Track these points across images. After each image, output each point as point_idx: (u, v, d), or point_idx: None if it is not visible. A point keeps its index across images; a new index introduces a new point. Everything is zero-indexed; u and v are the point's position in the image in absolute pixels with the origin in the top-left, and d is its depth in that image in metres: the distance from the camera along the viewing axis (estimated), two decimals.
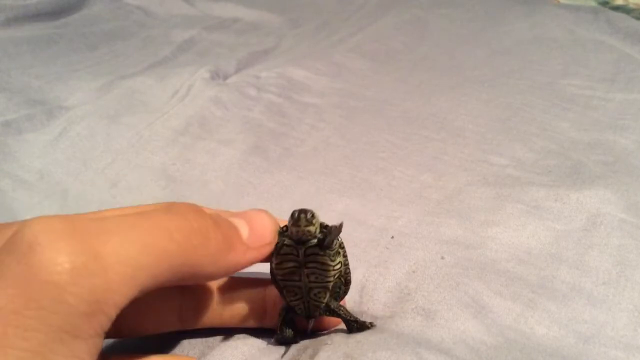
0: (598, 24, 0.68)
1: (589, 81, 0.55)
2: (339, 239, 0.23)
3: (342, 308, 0.25)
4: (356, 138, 0.47)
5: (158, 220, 0.18)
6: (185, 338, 0.26)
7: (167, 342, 0.25)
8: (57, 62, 0.62)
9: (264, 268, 0.24)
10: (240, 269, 0.21)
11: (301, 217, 0.21)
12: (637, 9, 0.79)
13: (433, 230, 0.34)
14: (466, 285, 0.29)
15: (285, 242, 0.22)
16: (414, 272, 0.30)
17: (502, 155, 0.43)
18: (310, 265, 0.22)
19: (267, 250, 0.22)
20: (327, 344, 0.24)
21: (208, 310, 0.24)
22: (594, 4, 0.80)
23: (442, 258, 0.31)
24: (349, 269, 0.24)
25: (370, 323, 0.26)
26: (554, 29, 0.69)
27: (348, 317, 0.25)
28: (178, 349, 0.25)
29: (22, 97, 0.51)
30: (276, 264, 0.23)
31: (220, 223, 0.20)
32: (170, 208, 0.19)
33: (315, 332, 0.26)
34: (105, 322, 0.16)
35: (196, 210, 0.19)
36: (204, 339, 0.25)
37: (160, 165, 0.43)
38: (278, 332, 0.25)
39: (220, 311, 0.25)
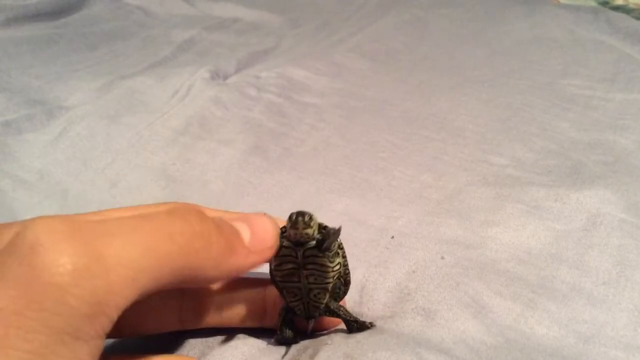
0: (598, 24, 0.68)
1: (589, 81, 0.55)
2: (338, 240, 0.23)
3: (342, 308, 0.25)
4: (356, 138, 0.47)
5: (160, 223, 0.18)
6: (185, 338, 0.26)
7: (167, 342, 0.25)
8: (57, 62, 0.62)
9: (264, 268, 0.24)
10: (241, 273, 0.21)
11: (299, 220, 0.21)
12: (637, 9, 0.79)
13: (433, 230, 0.34)
14: (466, 285, 0.29)
15: (283, 244, 0.22)
16: (414, 272, 0.30)
17: (502, 155, 0.43)
18: (309, 266, 0.22)
19: (269, 254, 0.22)
20: (327, 344, 0.24)
21: (208, 310, 0.24)
22: (594, 4, 0.80)
23: (442, 258, 0.31)
24: (348, 269, 0.24)
25: (370, 323, 0.26)
26: (554, 29, 0.69)
27: (348, 318, 0.25)
28: (178, 349, 0.25)
29: (22, 97, 0.51)
30: (275, 266, 0.23)
31: (223, 226, 0.20)
32: (172, 211, 0.19)
33: (315, 332, 0.26)
34: (106, 323, 0.16)
35: (198, 213, 0.19)
36: (204, 339, 0.25)
37: (160, 165, 0.43)
38: (278, 332, 0.25)
39: (220, 311, 0.25)
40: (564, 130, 0.46)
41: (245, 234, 0.21)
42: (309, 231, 0.21)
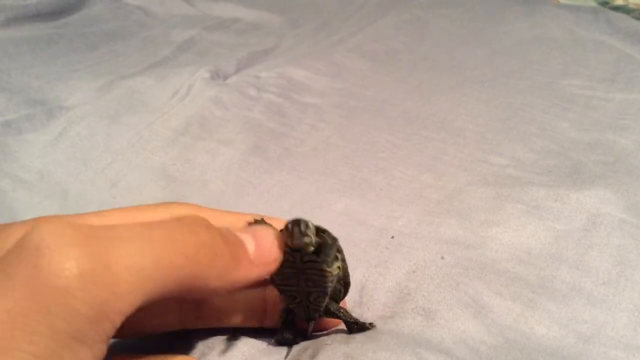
0: (598, 24, 0.68)
1: (589, 81, 0.55)
2: (337, 244, 0.23)
3: (342, 310, 0.25)
4: (356, 138, 0.47)
5: (168, 232, 0.18)
6: (185, 338, 0.26)
7: (167, 342, 0.25)
8: (57, 62, 0.62)
9: None
10: (245, 286, 0.21)
11: (295, 230, 0.21)
12: (637, 9, 0.79)
13: (433, 230, 0.34)
14: (466, 285, 0.29)
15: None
16: (414, 272, 0.30)
17: (502, 155, 0.43)
18: (308, 271, 0.22)
19: (273, 266, 0.22)
20: (327, 344, 0.24)
21: (208, 310, 0.24)
22: (594, 4, 0.80)
23: (442, 258, 0.31)
24: (347, 271, 0.24)
25: (370, 324, 0.26)
26: (554, 29, 0.69)
27: (348, 319, 0.25)
28: (178, 349, 0.25)
29: (22, 97, 0.51)
30: (274, 270, 0.23)
31: (228, 237, 0.20)
32: (180, 220, 0.19)
33: (316, 332, 0.26)
34: (110, 329, 0.16)
35: (205, 224, 0.19)
36: (204, 339, 0.25)
37: (160, 165, 0.43)
38: (278, 332, 0.25)
39: (220, 311, 0.25)
40: (564, 130, 0.46)
41: (250, 245, 0.21)
42: (306, 239, 0.21)
